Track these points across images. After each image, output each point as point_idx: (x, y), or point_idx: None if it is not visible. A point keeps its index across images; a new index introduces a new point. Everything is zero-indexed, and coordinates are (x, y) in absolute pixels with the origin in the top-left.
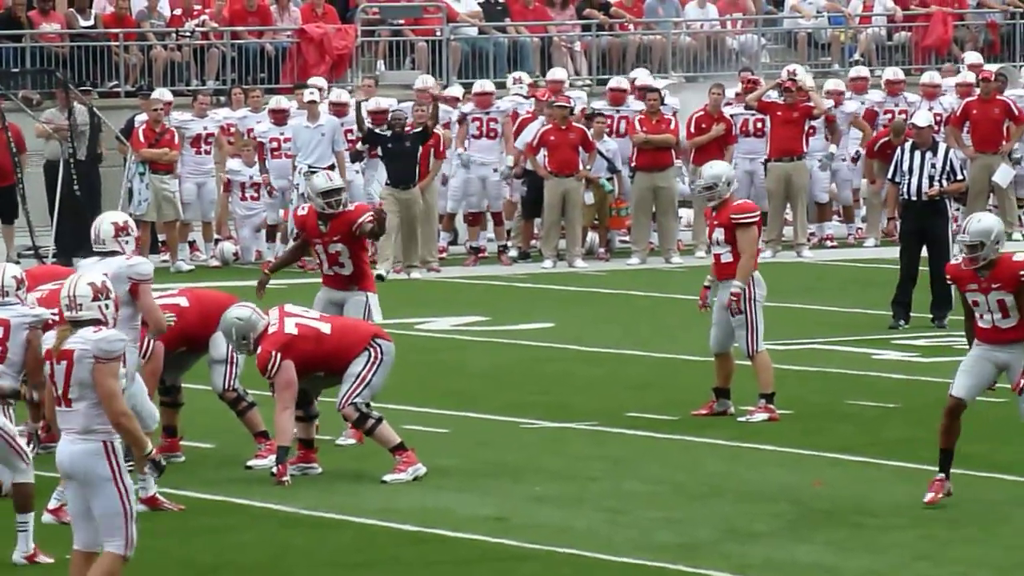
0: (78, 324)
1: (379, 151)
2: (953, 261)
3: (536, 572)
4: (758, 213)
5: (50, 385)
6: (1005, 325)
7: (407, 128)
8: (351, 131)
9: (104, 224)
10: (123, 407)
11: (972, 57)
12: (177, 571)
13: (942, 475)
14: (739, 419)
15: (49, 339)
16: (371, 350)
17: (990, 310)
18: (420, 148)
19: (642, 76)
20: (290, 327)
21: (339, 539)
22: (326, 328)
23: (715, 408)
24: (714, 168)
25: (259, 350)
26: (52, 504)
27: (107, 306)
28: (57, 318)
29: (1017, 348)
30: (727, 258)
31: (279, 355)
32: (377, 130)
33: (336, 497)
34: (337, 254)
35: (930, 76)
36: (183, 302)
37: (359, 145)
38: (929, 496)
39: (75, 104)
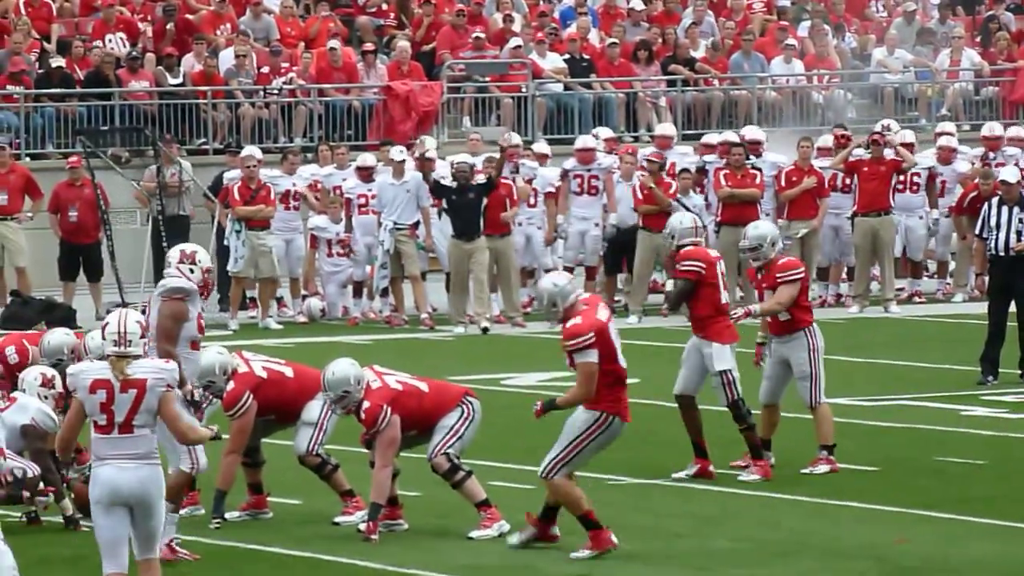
0: (124, 358)
1: (444, 203)
2: None
3: None
4: (803, 270)
5: (101, 414)
6: None
7: (471, 180)
8: None
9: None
10: (188, 423)
11: None
12: None
13: None
14: (801, 471)
15: (94, 371)
16: (464, 407)
17: None
18: (484, 200)
19: (752, 132)
20: (393, 383)
21: None
22: (424, 386)
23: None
24: (759, 228)
25: (367, 405)
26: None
27: (146, 343)
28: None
29: None
30: (784, 316)
31: (390, 409)
32: (443, 182)
33: (422, 554)
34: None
35: (1017, 130)
36: (288, 372)
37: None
38: None
39: (163, 163)
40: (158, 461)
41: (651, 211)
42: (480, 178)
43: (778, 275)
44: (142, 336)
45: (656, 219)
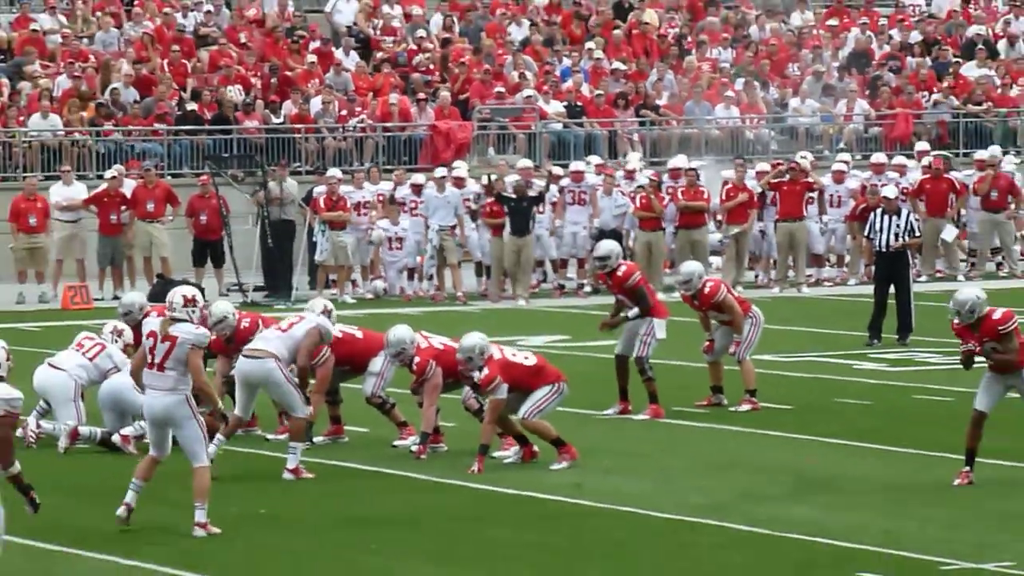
0: (173, 320)
1: (505, 208)
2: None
3: (602, 524)
4: (724, 287)
5: (148, 355)
6: None
7: (526, 193)
8: (468, 199)
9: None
10: (206, 378)
11: (922, 145)
12: (338, 524)
13: (967, 468)
14: (730, 409)
15: (152, 324)
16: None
17: (988, 355)
18: (533, 208)
19: (680, 160)
20: (437, 344)
21: (458, 498)
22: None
23: (712, 400)
24: (689, 266)
25: (418, 359)
26: (291, 464)
27: (191, 312)
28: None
29: (1019, 373)
30: (726, 319)
31: (435, 363)
32: (504, 194)
33: (457, 470)
34: (622, 300)
35: (900, 159)
36: (358, 334)
37: (472, 205)
38: (957, 481)
39: (271, 181)
40: (182, 393)
41: (646, 216)
42: (534, 191)
43: (713, 300)
44: (185, 305)
45: (648, 223)
